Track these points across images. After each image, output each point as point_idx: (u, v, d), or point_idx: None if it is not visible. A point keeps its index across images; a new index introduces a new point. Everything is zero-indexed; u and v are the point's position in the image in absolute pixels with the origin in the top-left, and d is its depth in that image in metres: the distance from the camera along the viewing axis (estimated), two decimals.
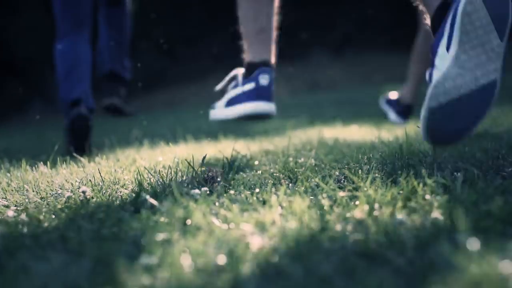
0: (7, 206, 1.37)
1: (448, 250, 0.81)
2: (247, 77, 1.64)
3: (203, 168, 1.57)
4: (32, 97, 12.32)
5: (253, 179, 1.53)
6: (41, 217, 1.19)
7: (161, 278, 0.79)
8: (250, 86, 1.62)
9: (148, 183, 1.51)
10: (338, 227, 0.96)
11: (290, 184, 1.43)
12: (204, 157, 1.60)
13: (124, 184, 1.57)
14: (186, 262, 0.83)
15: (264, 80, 1.60)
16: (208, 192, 1.36)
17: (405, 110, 3.67)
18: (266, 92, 1.62)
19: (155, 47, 13.08)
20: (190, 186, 1.47)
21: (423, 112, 1.28)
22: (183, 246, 0.91)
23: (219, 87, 1.80)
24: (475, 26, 1.22)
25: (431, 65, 1.31)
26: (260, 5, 1.62)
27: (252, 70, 1.62)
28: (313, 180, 1.41)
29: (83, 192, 1.38)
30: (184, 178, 1.55)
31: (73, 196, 1.39)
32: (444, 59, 1.25)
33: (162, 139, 3.11)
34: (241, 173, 1.63)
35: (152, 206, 1.21)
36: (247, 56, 1.69)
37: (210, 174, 1.50)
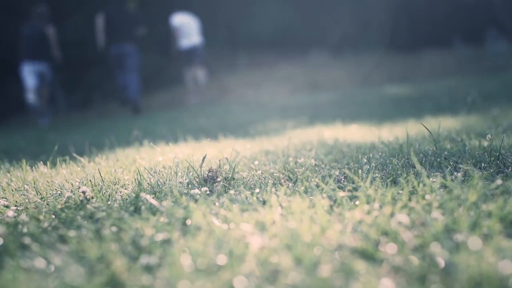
0: (7, 206, 1.37)
1: (448, 250, 0.81)
2: None
3: (203, 168, 1.57)
4: None
5: (253, 179, 1.53)
6: (41, 217, 1.19)
7: (161, 278, 0.79)
8: None
9: (148, 183, 1.51)
10: (338, 227, 0.96)
11: (290, 184, 1.43)
12: (204, 157, 1.60)
13: (124, 184, 1.57)
14: (186, 262, 0.83)
15: None
16: (208, 192, 1.36)
17: None
18: None
19: (155, 47, 13.09)
20: (190, 186, 1.47)
21: None
22: (183, 246, 0.91)
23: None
24: None
25: None
26: None
27: None
28: (313, 180, 1.41)
29: (83, 192, 1.38)
30: (184, 178, 1.55)
31: (73, 196, 1.39)
32: None
33: (162, 139, 3.10)
34: (241, 173, 1.63)
35: (152, 206, 1.21)
36: None
37: (210, 174, 1.50)
